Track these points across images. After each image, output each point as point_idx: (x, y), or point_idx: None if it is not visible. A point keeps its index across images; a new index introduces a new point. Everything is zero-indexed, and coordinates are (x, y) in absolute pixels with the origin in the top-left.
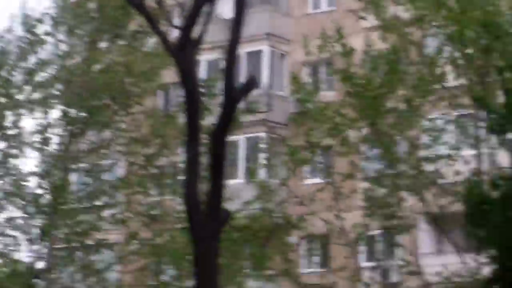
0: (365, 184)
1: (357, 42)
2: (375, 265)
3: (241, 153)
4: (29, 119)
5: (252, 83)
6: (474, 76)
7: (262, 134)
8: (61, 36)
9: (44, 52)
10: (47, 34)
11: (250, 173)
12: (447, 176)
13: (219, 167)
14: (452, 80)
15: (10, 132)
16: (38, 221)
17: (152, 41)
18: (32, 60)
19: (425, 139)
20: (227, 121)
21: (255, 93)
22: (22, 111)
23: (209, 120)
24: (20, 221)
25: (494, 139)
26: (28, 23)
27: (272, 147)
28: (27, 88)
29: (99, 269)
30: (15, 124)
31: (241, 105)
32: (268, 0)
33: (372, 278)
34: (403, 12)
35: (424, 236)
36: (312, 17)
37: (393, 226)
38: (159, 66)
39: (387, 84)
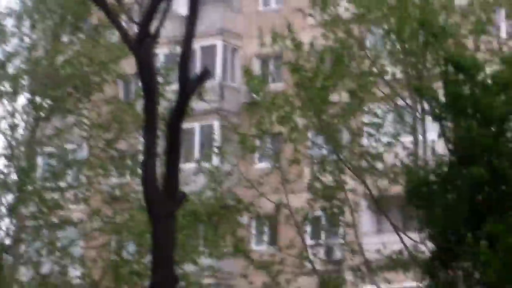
0: (310, 169)
1: (304, 38)
2: (320, 243)
3: (196, 139)
4: None
5: (206, 74)
6: (413, 70)
7: (216, 122)
8: (25, 30)
9: (11, 45)
10: (13, 27)
11: (204, 158)
12: (386, 161)
13: (175, 152)
14: (392, 73)
15: None
16: (6, 200)
17: (112, 34)
18: None
19: (367, 128)
20: (182, 110)
21: (209, 84)
22: None
23: (166, 106)
24: None
25: (432, 127)
26: None
27: (224, 135)
28: None
29: (64, 245)
30: None
31: (195, 95)
32: None
33: (317, 256)
34: (346, 10)
35: (365, 217)
36: (262, 14)
37: (336, 207)
38: (118, 57)
39: (332, 76)
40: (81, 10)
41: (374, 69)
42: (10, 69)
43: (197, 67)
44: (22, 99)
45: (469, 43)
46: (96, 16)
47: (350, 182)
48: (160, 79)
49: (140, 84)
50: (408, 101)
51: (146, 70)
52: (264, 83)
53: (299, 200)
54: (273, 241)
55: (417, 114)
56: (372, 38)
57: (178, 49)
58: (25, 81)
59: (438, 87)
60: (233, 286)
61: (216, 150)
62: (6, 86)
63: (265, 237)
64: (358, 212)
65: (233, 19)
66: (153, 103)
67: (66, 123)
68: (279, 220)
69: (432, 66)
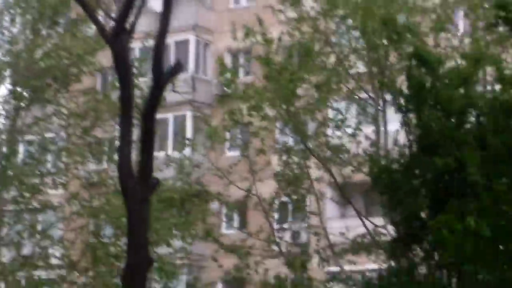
0: (278, 157)
1: (274, 34)
2: (286, 227)
3: (170, 129)
4: None
5: (178, 67)
6: (376, 65)
7: (188, 113)
8: (6, 24)
9: None
10: None
11: (177, 148)
12: (350, 151)
13: (149, 141)
14: (356, 67)
15: None
16: None
17: (88, 28)
18: None
19: (332, 119)
20: (156, 100)
21: (182, 77)
22: None
23: (140, 97)
24: None
25: (393, 118)
26: None
27: (197, 125)
28: None
29: (44, 228)
30: None
31: (169, 87)
32: None
33: (283, 239)
34: (312, 8)
35: (329, 202)
36: (233, 11)
37: (301, 194)
38: (95, 49)
39: (299, 70)
40: (59, 5)
41: (339, 64)
42: None
43: (171, 60)
44: (3, 90)
45: (430, 40)
46: (75, 11)
47: (316, 170)
48: (135, 71)
49: (116, 75)
50: (371, 94)
51: (122, 63)
52: (235, 75)
53: (267, 187)
54: (242, 225)
55: (379, 106)
56: (338, 34)
57: (153, 43)
58: (6, 72)
59: (400, 81)
60: (205, 267)
61: (187, 140)
62: None
63: (235, 222)
64: (323, 200)
65: (206, 15)
66: (128, 94)
67: (45, 113)
68: (248, 206)
69: (394, 61)
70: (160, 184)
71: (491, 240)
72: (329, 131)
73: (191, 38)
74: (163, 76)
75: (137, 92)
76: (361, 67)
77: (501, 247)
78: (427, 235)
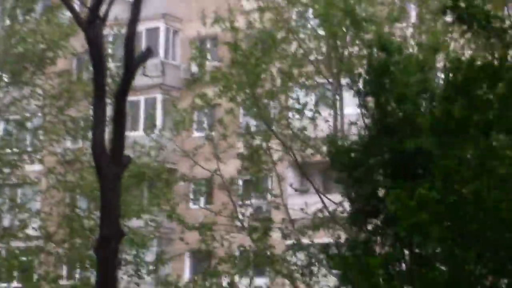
0: (242, 138)
1: (241, 22)
2: (249, 204)
3: (141, 111)
4: None
5: (148, 53)
6: (335, 51)
7: (158, 96)
8: None
9: None
10: None
11: (147, 128)
12: (310, 132)
13: (121, 121)
14: (316, 54)
15: None
16: None
17: (62, 14)
18: None
19: (293, 103)
20: (127, 83)
21: (153, 62)
22: None
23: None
24: None
25: (350, 102)
26: None
27: (166, 107)
28: None
29: (23, 201)
30: None
31: (140, 71)
32: None
33: (245, 215)
34: None
35: (290, 179)
36: (200, 1)
37: (264, 172)
38: (68, 35)
39: (264, 57)
40: None
41: (301, 51)
42: None
43: (142, 46)
44: None
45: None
46: None
47: (278, 150)
48: (107, 57)
49: (90, 60)
50: (330, 79)
51: (95, 49)
52: (205, 59)
53: (231, 167)
54: (209, 202)
55: (337, 91)
56: (299, 22)
57: (125, 31)
58: None
59: (358, 66)
60: (174, 240)
61: (155, 126)
62: None
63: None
64: (284, 176)
65: (175, 4)
66: (101, 77)
67: (23, 94)
68: (214, 185)
69: (353, 48)
70: (131, 162)
71: (440, 215)
72: (290, 115)
73: (161, 26)
74: (134, 61)
75: (110, 76)
76: (320, 54)
77: (448, 223)
78: (382, 210)
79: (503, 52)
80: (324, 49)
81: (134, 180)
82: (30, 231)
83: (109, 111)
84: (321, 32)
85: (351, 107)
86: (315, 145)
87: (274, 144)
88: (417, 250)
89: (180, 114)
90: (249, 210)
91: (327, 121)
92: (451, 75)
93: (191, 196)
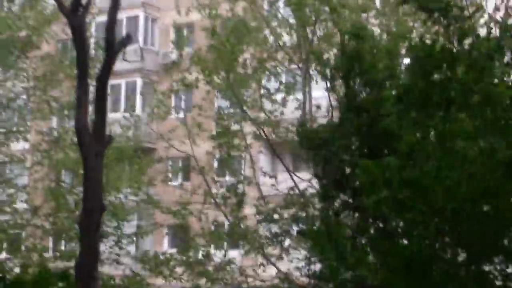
0: (216, 120)
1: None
2: (224, 181)
3: (122, 93)
4: None
5: (128, 39)
6: (305, 38)
7: (138, 80)
8: None
9: None
10: None
11: (128, 109)
12: (282, 113)
13: (103, 102)
14: (288, 39)
15: None
16: None
17: (44, 2)
18: None
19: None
20: (109, 67)
21: (133, 48)
22: None
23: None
24: None
25: (317, 86)
26: None
27: (146, 89)
28: None
29: (10, 177)
30: None
31: (120, 56)
32: None
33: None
34: None
35: (263, 158)
36: None
37: (237, 151)
38: (49, 21)
39: (239, 43)
40: None
41: (272, 38)
42: None
43: (123, 33)
44: None
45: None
46: None
47: (250, 130)
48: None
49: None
50: (299, 65)
51: (79, 36)
52: (185, 45)
53: (207, 146)
54: (186, 178)
55: (306, 76)
56: (271, 11)
57: (106, 18)
58: None
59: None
60: (153, 214)
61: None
62: None
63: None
64: (257, 155)
65: None
66: (84, 62)
67: (8, 76)
68: (189, 163)
69: (322, 35)
70: (112, 140)
71: (404, 188)
72: (262, 98)
73: (141, 14)
74: (114, 47)
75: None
76: (291, 41)
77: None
78: (349, 185)
79: (461, 38)
80: (294, 37)
81: (114, 158)
82: (18, 205)
83: (91, 93)
84: (292, 20)
85: (319, 91)
86: (285, 126)
87: (247, 126)
88: (381, 224)
89: (158, 97)
90: (223, 188)
91: (298, 103)
92: (413, 58)
93: (169, 175)
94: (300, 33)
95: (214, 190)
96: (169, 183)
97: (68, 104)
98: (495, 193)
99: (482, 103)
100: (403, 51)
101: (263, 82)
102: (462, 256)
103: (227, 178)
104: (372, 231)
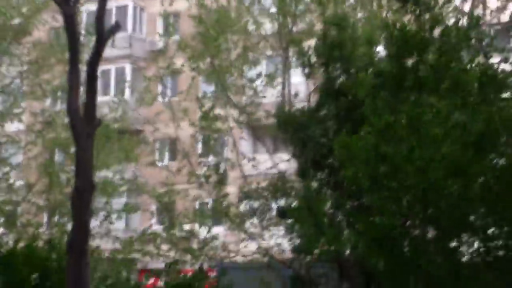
0: (200, 104)
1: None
2: (207, 162)
3: (112, 79)
4: None
5: (117, 27)
6: (285, 27)
7: (127, 66)
8: None
9: None
10: None
11: (118, 94)
12: (263, 97)
13: (93, 86)
14: (269, 27)
15: None
16: None
17: None
18: None
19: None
20: (99, 53)
21: (122, 35)
22: None
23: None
24: None
25: (296, 73)
26: None
27: (134, 75)
28: None
29: (6, 156)
30: None
31: (110, 43)
32: None
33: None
34: None
35: (245, 140)
36: None
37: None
38: (40, 9)
39: (222, 32)
40: None
41: (253, 26)
42: None
43: (112, 22)
44: None
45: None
46: None
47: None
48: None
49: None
50: (279, 52)
51: (70, 23)
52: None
53: (191, 130)
54: (172, 158)
55: (286, 63)
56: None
57: (96, 7)
58: None
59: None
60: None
61: (127, 86)
62: None
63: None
64: (239, 136)
65: None
66: (76, 48)
67: (3, 61)
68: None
69: (302, 24)
70: (102, 122)
71: (379, 164)
72: (245, 82)
73: (129, 3)
74: (104, 34)
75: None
76: (272, 29)
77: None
78: (326, 164)
79: (432, 26)
80: (276, 25)
81: (103, 137)
82: (12, 182)
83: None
84: (273, 9)
85: (298, 77)
86: (266, 110)
87: (230, 110)
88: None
89: (146, 84)
90: (206, 168)
91: (279, 84)
92: (387, 43)
93: (156, 156)
94: (280, 22)
95: (198, 172)
96: (156, 163)
97: (59, 87)
98: (463, 173)
99: (452, 88)
100: (381, 40)
101: (245, 70)
102: (431, 234)
103: (210, 159)
104: (348, 207)
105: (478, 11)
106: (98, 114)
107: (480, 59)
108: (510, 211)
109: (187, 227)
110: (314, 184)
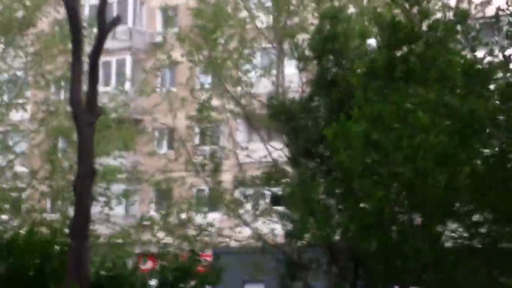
0: (197, 95)
1: None
2: (203, 150)
3: (113, 69)
4: None
5: (117, 20)
6: (279, 21)
7: (128, 57)
8: None
9: None
10: None
11: (118, 85)
12: (257, 88)
13: (95, 77)
14: (264, 20)
15: None
16: None
17: None
18: None
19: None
20: (100, 45)
21: (123, 28)
22: None
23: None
24: None
25: (289, 64)
26: None
27: (134, 67)
28: None
29: (10, 144)
30: None
31: (111, 35)
32: None
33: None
34: None
35: (240, 129)
36: None
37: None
38: (43, 2)
39: (219, 26)
40: None
41: (249, 20)
42: None
43: (113, 15)
44: None
45: None
46: None
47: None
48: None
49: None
50: (274, 44)
51: (73, 17)
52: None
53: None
54: (170, 146)
55: (280, 55)
56: None
57: (98, 1)
58: None
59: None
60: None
61: (128, 77)
62: None
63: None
64: (235, 125)
65: None
66: (78, 40)
67: (8, 52)
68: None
69: (296, 18)
70: (103, 111)
71: (370, 150)
72: (241, 74)
73: None
74: (105, 27)
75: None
76: (267, 23)
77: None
78: (317, 153)
79: (421, 20)
80: (271, 19)
81: (104, 127)
82: (17, 169)
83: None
84: (269, 3)
85: (291, 68)
86: (261, 100)
87: (226, 101)
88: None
89: (145, 75)
90: (202, 156)
91: (271, 80)
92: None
93: (155, 144)
94: (275, 16)
95: (195, 160)
96: (155, 152)
97: (62, 77)
98: (450, 162)
99: (439, 79)
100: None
101: (241, 63)
102: (418, 220)
103: (207, 147)
104: (338, 193)
105: (464, 5)
106: (99, 104)
107: (466, 52)
108: (494, 199)
109: (184, 214)
110: (307, 172)
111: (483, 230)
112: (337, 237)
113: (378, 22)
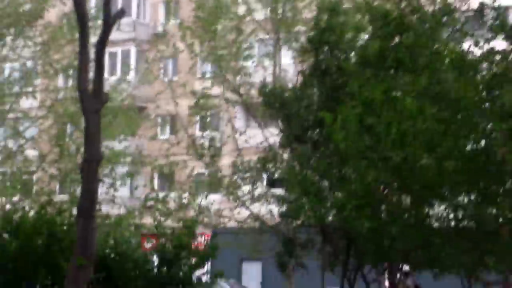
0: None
1: None
2: (204, 135)
3: (118, 60)
4: None
5: (122, 12)
6: (276, 13)
7: (132, 48)
8: None
9: None
10: None
11: (123, 74)
12: (255, 77)
13: (101, 66)
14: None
15: None
16: None
17: None
18: None
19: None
20: (106, 36)
21: (127, 21)
22: None
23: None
24: None
25: (285, 54)
26: None
27: (138, 57)
28: None
29: (22, 130)
30: None
31: (116, 27)
32: None
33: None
34: None
35: (239, 116)
36: None
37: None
38: None
39: (218, 18)
40: None
41: (246, 11)
42: None
43: (118, 7)
44: None
45: None
46: None
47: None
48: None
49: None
50: (271, 35)
51: (80, 8)
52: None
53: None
54: (174, 132)
55: (277, 45)
56: None
57: None
58: None
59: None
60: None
61: (132, 67)
62: None
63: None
64: (234, 113)
65: None
66: (85, 31)
67: (17, 44)
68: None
69: (293, 11)
70: (108, 99)
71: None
72: (240, 63)
73: None
74: (110, 19)
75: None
76: (264, 15)
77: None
78: (310, 138)
79: (411, 12)
80: (268, 11)
81: (110, 113)
82: (28, 153)
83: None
84: None
85: (287, 58)
86: (257, 88)
87: (226, 89)
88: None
89: (148, 65)
90: (203, 141)
91: (268, 70)
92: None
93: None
94: (272, 8)
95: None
96: (158, 136)
97: (69, 65)
98: (436, 147)
99: (427, 68)
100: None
101: (239, 53)
102: (407, 202)
103: (207, 133)
104: (332, 175)
105: None
106: (105, 92)
107: (453, 43)
108: (479, 182)
109: (185, 196)
110: (301, 157)
111: (469, 211)
112: (330, 218)
113: (371, 14)
